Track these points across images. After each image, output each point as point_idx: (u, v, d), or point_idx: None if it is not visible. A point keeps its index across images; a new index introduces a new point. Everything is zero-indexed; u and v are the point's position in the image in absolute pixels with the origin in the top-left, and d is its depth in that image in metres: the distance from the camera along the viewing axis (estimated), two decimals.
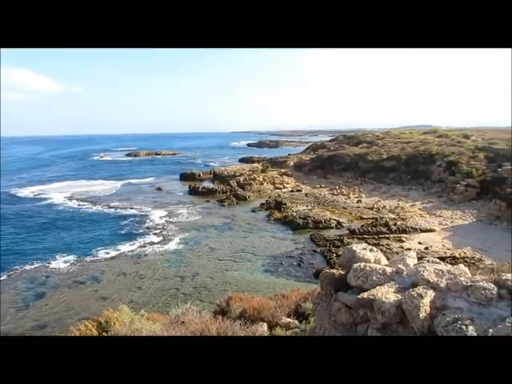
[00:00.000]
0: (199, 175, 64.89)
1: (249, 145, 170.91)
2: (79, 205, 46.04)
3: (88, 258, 27.02)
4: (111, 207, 44.25)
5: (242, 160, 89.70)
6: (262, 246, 29.46)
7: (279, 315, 7.53)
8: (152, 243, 30.44)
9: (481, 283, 2.61)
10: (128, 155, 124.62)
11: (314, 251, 27.62)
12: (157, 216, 39.26)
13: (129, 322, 6.34)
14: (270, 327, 6.96)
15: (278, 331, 6.55)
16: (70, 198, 49.95)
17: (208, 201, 46.31)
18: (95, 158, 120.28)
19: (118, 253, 28.26)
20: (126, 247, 29.41)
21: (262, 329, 6.55)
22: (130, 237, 32.00)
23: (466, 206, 36.16)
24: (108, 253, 28.13)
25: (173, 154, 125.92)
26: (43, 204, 46.52)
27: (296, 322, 7.35)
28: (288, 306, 8.20)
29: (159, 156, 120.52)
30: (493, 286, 2.57)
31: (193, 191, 51.89)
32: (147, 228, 34.77)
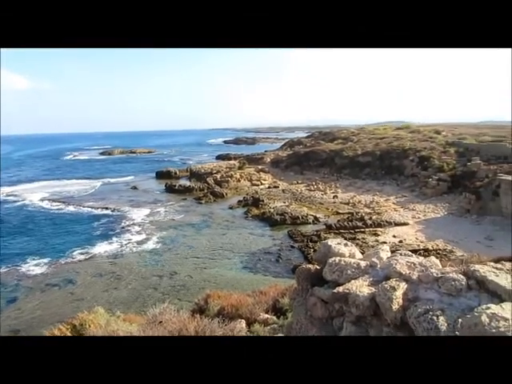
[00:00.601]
0: (175, 173, 64.19)
1: (226, 142, 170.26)
2: (52, 206, 44.75)
3: (62, 260, 26.30)
4: (85, 207, 43.24)
5: (218, 157, 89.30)
6: (240, 242, 29.47)
7: (257, 311, 7.55)
8: (128, 243, 29.93)
9: (451, 275, 2.69)
10: (102, 154, 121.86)
11: (292, 247, 27.84)
12: (133, 215, 38.62)
13: (104, 323, 6.21)
14: (249, 324, 6.97)
15: (257, 327, 6.57)
16: (42, 199, 48.45)
17: (185, 199, 45.90)
18: (68, 157, 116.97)
19: (93, 254, 27.64)
20: (101, 248, 28.79)
21: (241, 325, 6.55)
22: (106, 237, 31.36)
23: (438, 200, 37.25)
24: (83, 254, 27.47)
25: (148, 152, 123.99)
26: (14, 206, 44.93)
27: (274, 317, 7.39)
28: (266, 302, 8.24)
29: (134, 154, 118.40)
30: (462, 277, 2.64)
31: (169, 189, 51.31)
32: (123, 228, 34.16)
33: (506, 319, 1.99)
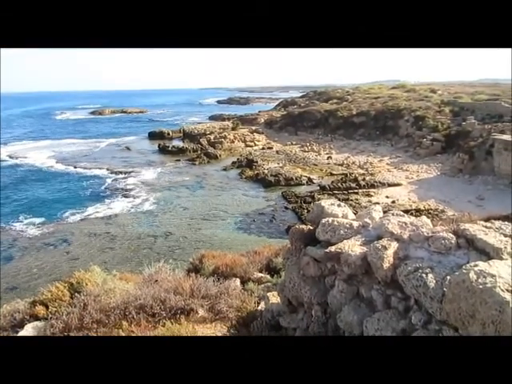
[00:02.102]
0: (168, 134, 63.28)
1: (218, 102, 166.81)
2: (48, 166, 44.27)
3: (57, 221, 26.43)
4: (77, 167, 42.92)
5: (211, 117, 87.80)
6: (234, 204, 29.68)
7: (251, 271, 7.73)
8: (122, 203, 30.02)
9: (441, 233, 2.73)
10: (92, 113, 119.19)
11: (286, 208, 28.13)
12: (126, 176, 38.47)
13: (101, 282, 6.34)
14: (243, 282, 7.16)
15: (251, 286, 6.75)
16: (34, 160, 47.85)
17: (178, 160, 45.60)
18: (57, 117, 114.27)
19: (87, 214, 27.77)
20: (95, 208, 28.89)
21: (235, 284, 6.72)
22: (99, 198, 31.38)
23: (432, 160, 37.39)
24: (77, 214, 27.58)
25: (140, 112, 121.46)
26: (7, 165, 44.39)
27: (268, 276, 7.58)
28: (260, 262, 8.42)
29: (125, 114, 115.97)
30: (452, 235, 2.69)
31: (162, 150, 50.81)
32: (116, 189, 34.12)
33: (492, 275, 2.04)
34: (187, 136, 59.43)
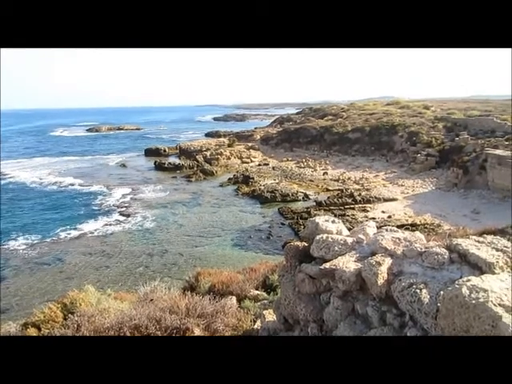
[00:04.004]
0: (165, 150, 63.52)
1: (215, 119, 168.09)
2: (41, 184, 44.11)
3: (51, 239, 26.19)
4: (73, 185, 42.80)
5: (208, 134, 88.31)
6: (231, 220, 29.61)
7: (248, 288, 7.67)
8: (118, 221, 29.86)
9: (434, 249, 2.74)
10: (89, 130, 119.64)
11: (283, 224, 28.08)
12: (122, 193, 38.39)
13: (95, 301, 6.26)
14: (239, 300, 7.09)
15: (247, 303, 6.69)
16: (30, 177, 47.70)
17: (175, 177, 45.64)
18: (54, 133, 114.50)
19: (82, 232, 27.56)
20: (91, 226, 28.70)
21: (231, 302, 6.66)
22: (94, 215, 31.22)
23: (426, 175, 37.66)
24: (70, 233, 27.36)
25: (136, 129, 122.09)
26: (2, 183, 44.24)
27: (264, 293, 7.52)
28: (256, 279, 8.37)
29: (122, 131, 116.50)
30: (445, 250, 2.70)
31: (159, 167, 50.88)
32: (113, 206, 33.99)
33: (485, 290, 2.05)
34: (183, 153, 59.66)
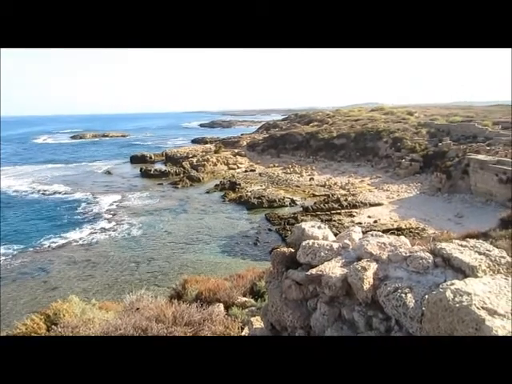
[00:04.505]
0: (151, 157, 63.09)
1: (201, 125, 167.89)
2: (24, 192, 43.24)
3: (34, 248, 25.65)
4: (57, 193, 42.09)
5: (194, 141, 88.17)
6: (218, 227, 29.48)
7: (235, 295, 7.62)
8: (103, 229, 29.44)
9: (418, 253, 2.77)
10: (73, 137, 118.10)
11: (270, 230, 28.08)
12: (108, 201, 37.90)
13: (80, 312, 6.13)
14: (227, 307, 7.04)
15: (235, 311, 6.64)
16: (14, 185, 46.74)
17: (161, 183, 45.31)
18: (37, 141, 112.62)
19: (66, 241, 27.07)
20: (75, 235, 28.22)
21: (219, 309, 6.60)
22: (79, 224, 30.72)
23: (411, 180, 38.21)
24: (54, 242, 26.84)
25: (122, 136, 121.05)
26: None
27: (252, 300, 7.49)
28: (244, 286, 8.33)
29: (107, 138, 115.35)
30: (429, 255, 2.73)
31: (145, 174, 50.47)
32: (98, 214, 33.52)
33: (468, 294, 2.07)
34: (170, 159, 59.35)
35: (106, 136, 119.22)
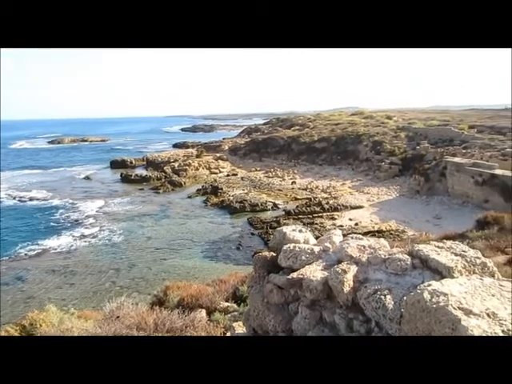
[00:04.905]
0: (131, 162, 62.26)
1: (182, 129, 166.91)
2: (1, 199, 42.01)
3: (10, 257, 24.88)
4: (34, 199, 41.03)
5: (176, 145, 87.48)
6: (200, 231, 29.28)
7: (217, 300, 7.57)
8: (83, 236, 28.83)
9: (397, 255, 2.81)
10: (51, 142, 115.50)
11: (252, 234, 28.06)
12: (87, 207, 37.17)
13: (57, 322, 5.96)
14: (209, 313, 6.98)
15: (217, 316, 6.59)
16: None
17: (142, 189, 44.75)
18: (13, 146, 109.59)
19: (44, 248, 26.39)
20: (53, 242, 27.53)
21: (201, 315, 6.54)
22: (57, 231, 30.01)
23: (390, 183, 38.89)
24: (31, 250, 26.12)
25: (102, 141, 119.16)
26: None
27: (234, 305, 7.45)
28: (226, 291, 8.28)
29: (86, 143, 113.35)
30: (407, 256, 2.77)
31: (125, 179, 49.76)
32: (77, 220, 32.83)
33: (445, 294, 2.11)
34: (151, 164, 58.74)
35: (86, 141, 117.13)
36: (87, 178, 53.43)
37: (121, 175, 51.21)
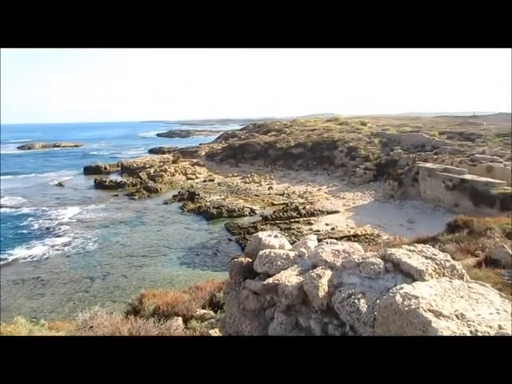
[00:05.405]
0: (105, 168, 61.03)
1: (159, 135, 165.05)
2: None
3: None
4: (3, 207, 39.53)
5: (151, 151, 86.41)
6: (177, 238, 28.93)
7: (194, 308, 7.47)
8: (55, 244, 27.95)
9: (370, 259, 2.86)
10: (21, 148, 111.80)
11: (230, 240, 27.94)
12: (60, 214, 36.11)
13: (26, 334, 5.74)
14: (185, 320, 6.89)
15: (194, 324, 6.51)
16: None
17: (116, 195, 43.88)
18: None
19: (13, 258, 25.40)
20: (22, 251, 26.54)
21: (177, 323, 6.44)
22: (27, 239, 28.98)
23: (365, 188, 39.62)
24: (1, 259, 25.11)
25: (74, 146, 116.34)
26: None
27: (211, 312, 7.37)
28: (203, 298, 8.19)
29: (59, 148, 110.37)
30: (380, 260, 2.82)
31: (99, 185, 48.70)
32: (48, 228, 31.82)
33: (416, 297, 2.16)
34: (126, 170, 57.75)
35: (58, 146, 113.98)
36: (60, 184, 51.97)
37: (95, 181, 50.10)
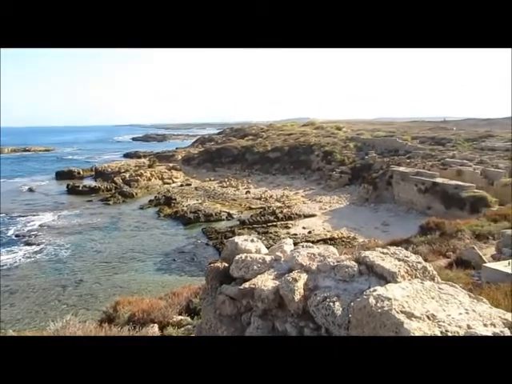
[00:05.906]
0: (79, 173, 59.59)
1: (134, 139, 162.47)
2: None
3: None
4: None
5: (126, 155, 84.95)
6: (153, 243, 28.49)
7: (170, 314, 7.36)
8: (25, 252, 26.98)
9: (345, 262, 2.89)
10: None
11: (207, 244, 27.75)
12: (30, 221, 34.94)
13: None
14: (162, 327, 6.77)
15: (170, 330, 6.41)
16: None
17: (90, 200, 42.88)
18: None
19: None
20: None
21: (153, 330, 6.33)
22: None
23: (341, 191, 40.21)
24: None
25: (46, 150, 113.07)
26: None
27: (188, 318, 7.28)
28: (179, 304, 8.08)
29: (29, 153, 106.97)
30: (354, 263, 2.86)
31: (72, 191, 47.46)
32: (18, 236, 30.71)
33: (389, 299, 2.19)
34: (100, 175, 56.56)
35: (28, 150, 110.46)
36: (30, 189, 50.33)
37: (67, 186, 48.80)
